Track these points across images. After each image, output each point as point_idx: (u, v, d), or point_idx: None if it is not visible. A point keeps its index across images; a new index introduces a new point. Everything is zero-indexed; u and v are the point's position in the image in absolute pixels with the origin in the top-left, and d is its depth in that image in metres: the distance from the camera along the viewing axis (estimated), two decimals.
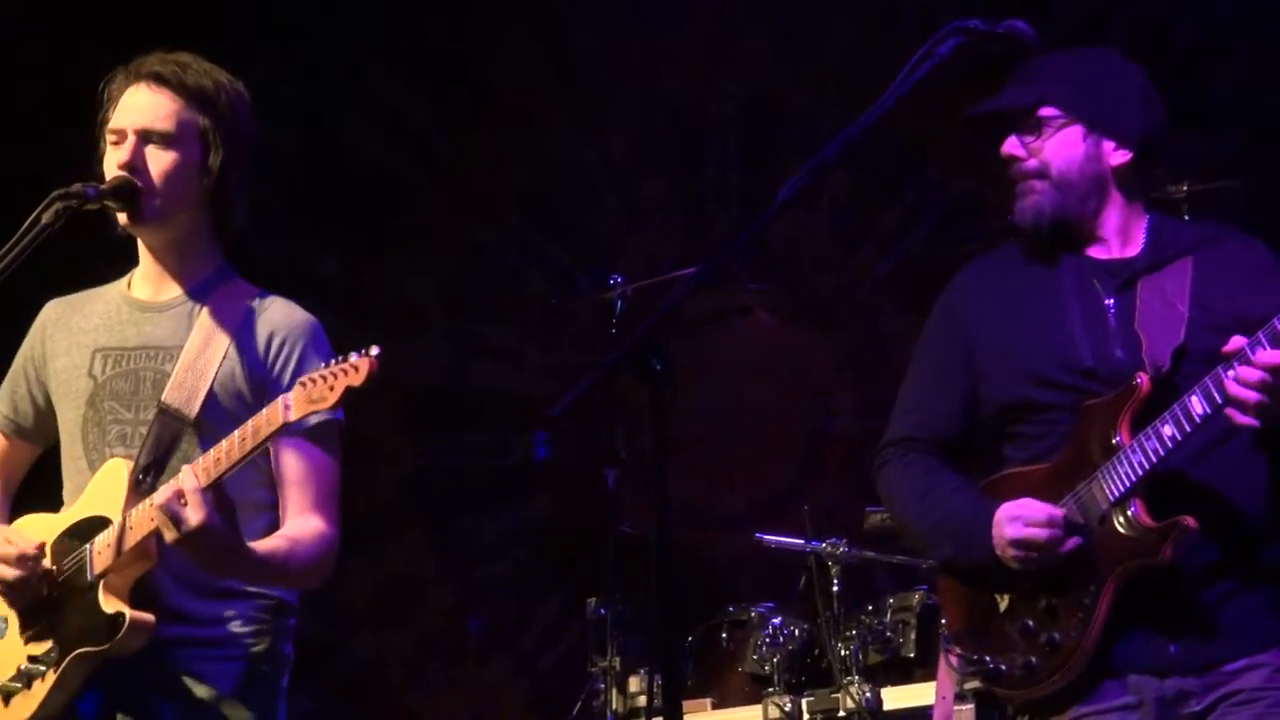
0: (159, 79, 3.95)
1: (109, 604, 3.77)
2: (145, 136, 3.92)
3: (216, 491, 3.67)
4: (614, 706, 5.96)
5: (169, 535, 3.65)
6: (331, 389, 3.54)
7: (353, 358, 3.54)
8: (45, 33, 7.45)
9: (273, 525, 3.93)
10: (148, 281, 4.06)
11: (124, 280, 4.11)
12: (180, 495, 3.63)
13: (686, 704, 5.91)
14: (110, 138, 3.96)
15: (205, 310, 3.99)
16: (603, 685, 6.01)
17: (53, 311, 4.14)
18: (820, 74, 7.85)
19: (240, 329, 3.96)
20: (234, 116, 4.00)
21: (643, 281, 6.01)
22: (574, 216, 8.24)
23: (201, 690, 3.86)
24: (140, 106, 3.94)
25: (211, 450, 3.69)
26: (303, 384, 3.58)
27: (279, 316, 4.01)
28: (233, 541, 3.73)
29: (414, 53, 8.24)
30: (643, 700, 6.01)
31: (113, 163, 3.93)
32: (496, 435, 8.24)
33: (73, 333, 4.06)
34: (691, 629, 6.29)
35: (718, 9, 8.08)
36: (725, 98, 8.09)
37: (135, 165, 3.90)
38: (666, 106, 8.15)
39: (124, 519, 3.78)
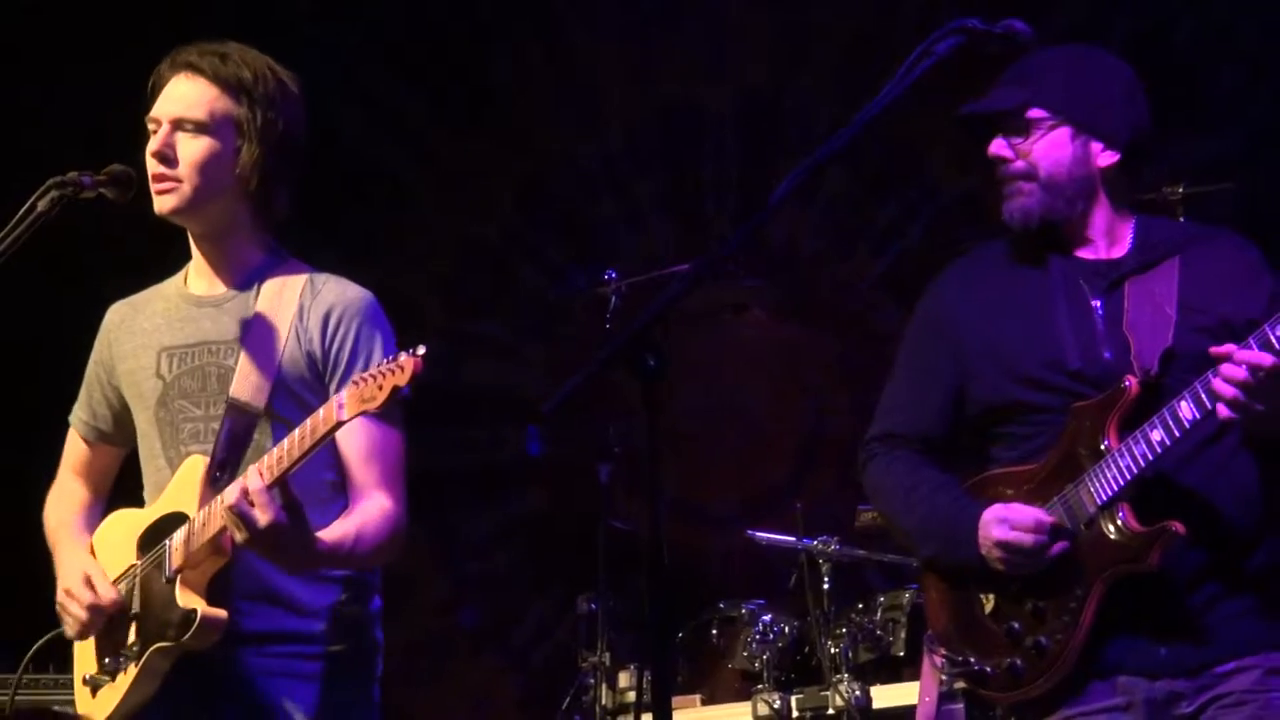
0: (194, 68, 3.98)
1: (184, 599, 3.80)
2: (178, 125, 3.94)
3: (283, 488, 3.68)
4: (604, 702, 5.96)
5: (239, 536, 3.67)
6: (380, 388, 3.55)
7: (401, 357, 3.55)
8: (43, 30, 7.44)
9: (347, 506, 3.97)
10: (201, 275, 4.08)
11: (180, 275, 4.14)
12: (247, 495, 3.64)
13: (676, 700, 5.91)
14: (150, 127, 3.98)
15: (259, 300, 4.01)
16: (593, 680, 6.01)
17: (115, 315, 4.17)
18: (817, 72, 7.86)
19: (297, 314, 3.98)
20: (271, 106, 4.00)
21: (638, 277, 6.01)
22: (569, 213, 8.24)
23: (279, 696, 3.88)
24: (176, 96, 3.97)
25: (274, 448, 3.70)
26: (355, 383, 3.59)
27: (333, 295, 4.02)
28: (302, 538, 3.73)
29: (411, 50, 8.24)
30: (632, 696, 6.01)
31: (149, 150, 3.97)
32: (490, 431, 8.25)
33: (136, 334, 4.09)
34: (682, 625, 6.29)
35: (715, 7, 8.08)
36: (722, 95, 8.09)
37: (165, 154, 3.93)
38: (663, 104, 8.15)
39: (199, 516, 3.80)
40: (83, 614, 3.91)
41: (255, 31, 8.03)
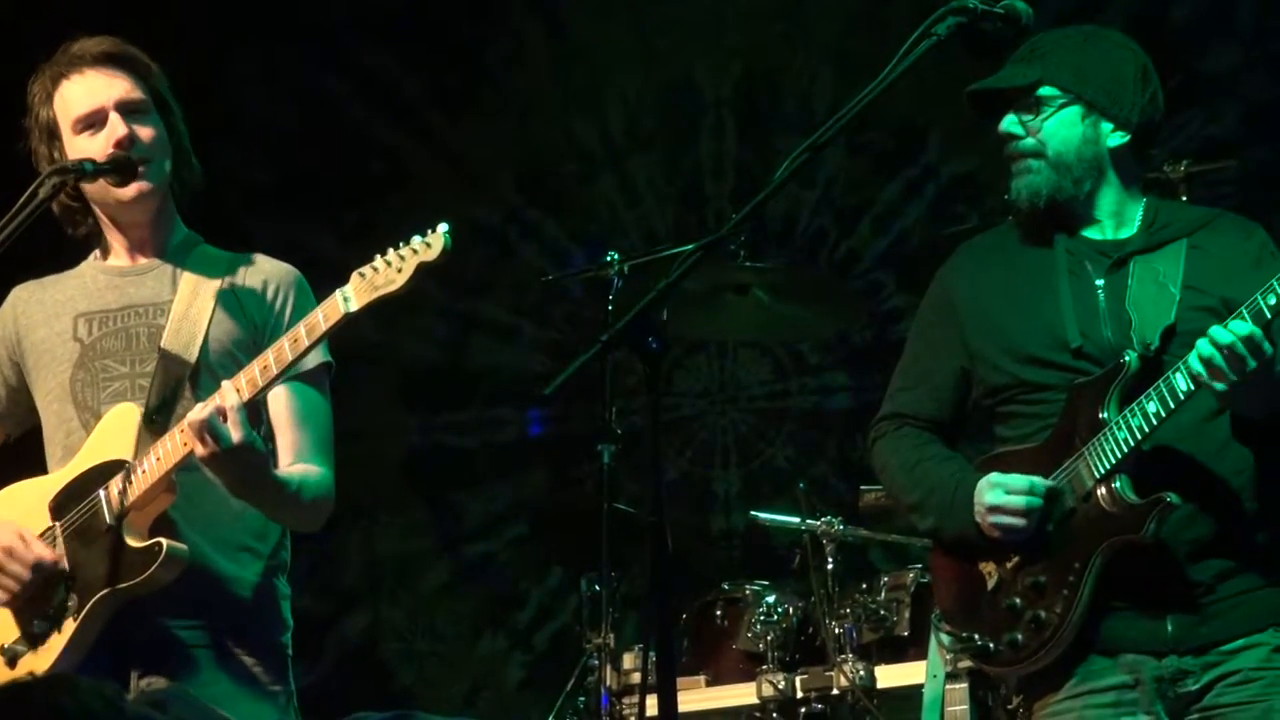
0: (108, 59, 3.98)
1: (137, 539, 3.77)
2: (126, 111, 3.95)
3: (251, 410, 3.70)
4: (608, 683, 5.96)
5: (202, 450, 3.66)
6: (400, 270, 3.56)
7: (415, 240, 3.57)
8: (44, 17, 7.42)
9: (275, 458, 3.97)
10: (120, 252, 4.09)
11: (90, 257, 4.14)
12: (221, 412, 3.64)
13: (681, 681, 5.91)
14: (76, 128, 3.96)
15: (189, 266, 4.04)
16: (597, 662, 6.01)
17: (23, 291, 4.15)
18: (817, 52, 7.84)
19: (229, 279, 4.02)
20: (162, 75, 4.06)
21: (639, 258, 5.99)
22: (570, 193, 8.23)
23: (191, 665, 3.87)
24: (105, 85, 3.96)
25: (254, 362, 3.71)
26: (360, 274, 3.60)
27: (269, 266, 4.09)
28: (262, 461, 3.76)
29: (411, 30, 8.23)
30: (637, 677, 6.01)
31: (96, 147, 3.93)
32: (492, 412, 8.24)
33: (47, 305, 4.08)
34: (686, 606, 6.29)
35: None
36: (721, 75, 8.08)
37: (133, 138, 3.93)
38: (662, 84, 8.14)
39: (149, 454, 3.78)
40: (26, 573, 3.83)
41: (252, 12, 8.05)
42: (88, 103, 3.94)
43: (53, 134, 3.99)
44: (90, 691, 3.20)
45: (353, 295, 3.61)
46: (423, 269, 3.55)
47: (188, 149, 4.07)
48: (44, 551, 3.85)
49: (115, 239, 4.07)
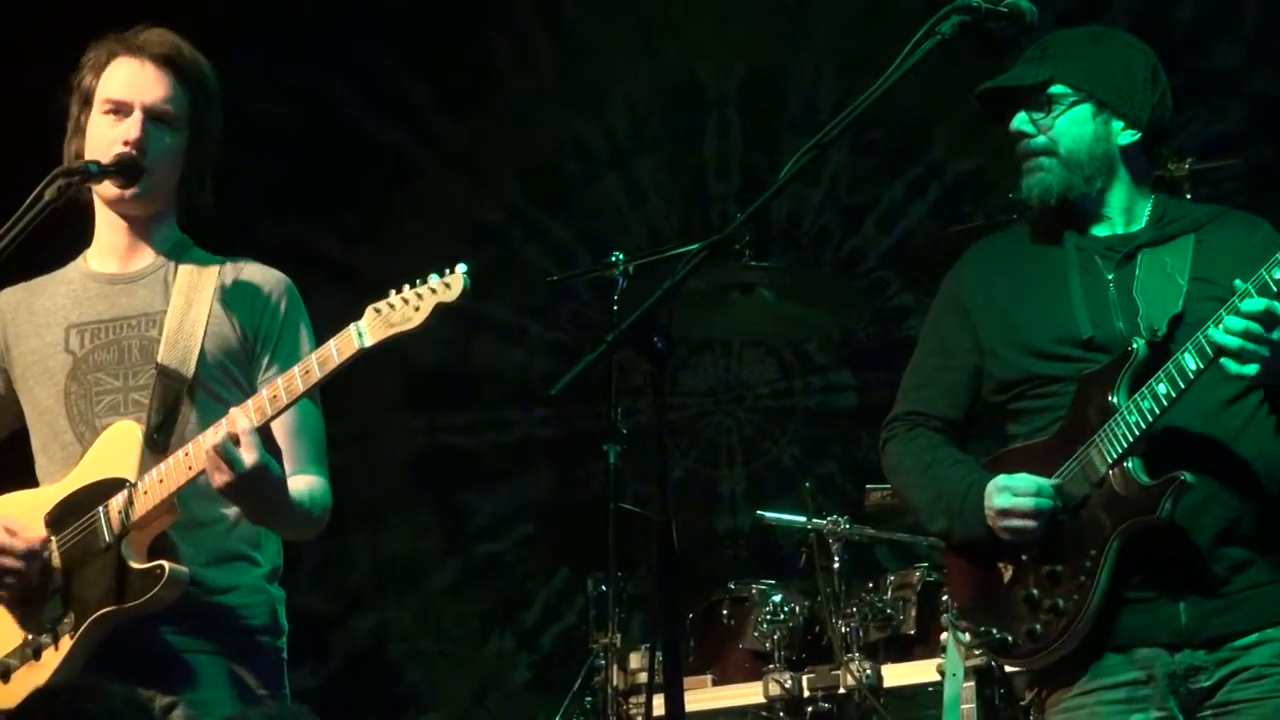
0: (165, 60, 3.98)
1: (138, 560, 3.77)
2: (151, 115, 3.94)
3: (261, 433, 3.70)
4: (615, 683, 5.96)
5: (220, 479, 3.66)
6: (418, 310, 3.58)
7: (433, 279, 3.58)
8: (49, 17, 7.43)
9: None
10: (112, 256, 4.07)
11: (79, 260, 4.12)
12: (233, 436, 3.65)
13: (687, 680, 5.91)
14: (104, 106, 3.97)
15: (180, 275, 4.02)
16: (604, 662, 6.01)
17: (11, 298, 4.12)
18: (821, 50, 7.84)
19: (221, 288, 4.01)
20: (215, 103, 4.07)
21: (644, 258, 5.99)
22: (575, 193, 8.23)
23: (190, 674, 3.87)
24: (148, 84, 3.96)
25: (264, 390, 3.72)
26: (376, 310, 3.61)
27: (260, 275, 4.08)
28: (278, 483, 3.77)
29: (414, 31, 8.23)
30: (644, 677, 6.00)
31: (111, 135, 3.94)
32: (497, 412, 8.24)
33: (36, 314, 4.06)
34: (692, 606, 6.29)
35: None
36: (725, 74, 8.08)
37: (143, 144, 3.92)
38: (666, 83, 8.14)
39: (153, 474, 3.77)
40: (18, 563, 3.83)
41: (257, 12, 8.05)
42: (124, 91, 3.96)
43: (86, 100, 4.00)
44: (116, 698, 3.21)
45: (367, 331, 3.61)
46: (441, 310, 3.57)
47: (205, 174, 4.06)
48: (34, 538, 3.84)
49: (108, 237, 4.07)
